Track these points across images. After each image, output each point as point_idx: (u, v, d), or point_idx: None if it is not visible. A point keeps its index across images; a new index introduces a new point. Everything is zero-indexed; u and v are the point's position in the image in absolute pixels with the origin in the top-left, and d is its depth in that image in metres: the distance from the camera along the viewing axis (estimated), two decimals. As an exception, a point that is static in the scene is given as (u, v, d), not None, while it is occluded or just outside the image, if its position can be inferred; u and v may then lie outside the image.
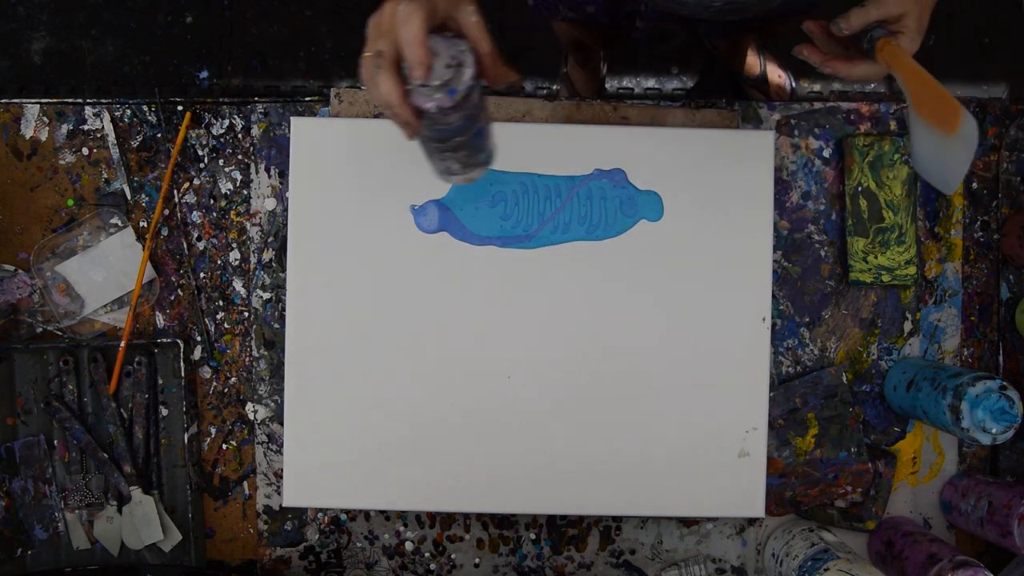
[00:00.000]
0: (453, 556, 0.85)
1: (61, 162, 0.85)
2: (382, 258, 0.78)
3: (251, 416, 0.85)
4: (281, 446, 0.84)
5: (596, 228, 0.79)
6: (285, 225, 0.84)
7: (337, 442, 0.78)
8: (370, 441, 0.78)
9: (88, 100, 0.85)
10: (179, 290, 0.85)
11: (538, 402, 0.78)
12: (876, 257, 0.83)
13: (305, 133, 0.78)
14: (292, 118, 0.79)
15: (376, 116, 0.82)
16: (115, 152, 0.84)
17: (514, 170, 0.78)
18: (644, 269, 0.79)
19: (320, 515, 0.85)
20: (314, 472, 0.78)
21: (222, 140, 0.85)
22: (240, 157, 0.85)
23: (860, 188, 0.82)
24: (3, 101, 0.85)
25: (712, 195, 0.79)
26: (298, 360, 0.78)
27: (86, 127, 0.85)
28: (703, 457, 0.79)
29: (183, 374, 0.82)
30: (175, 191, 0.84)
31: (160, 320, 0.85)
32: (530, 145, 0.78)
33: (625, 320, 0.79)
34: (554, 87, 1.48)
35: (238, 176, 0.85)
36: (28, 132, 0.84)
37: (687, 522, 0.85)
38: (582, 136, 0.79)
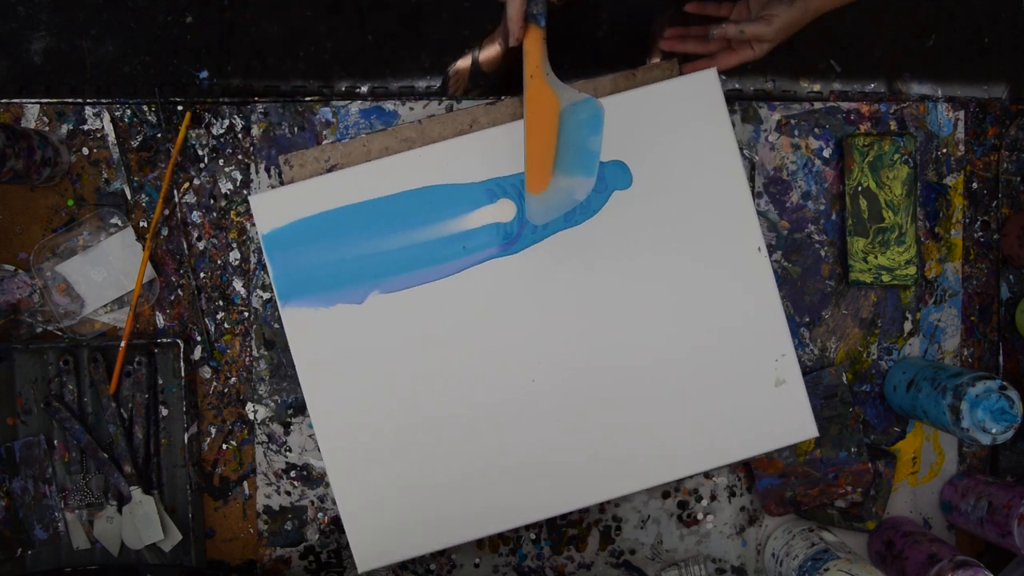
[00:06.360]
0: (453, 556, 0.85)
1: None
2: (376, 311, 0.78)
3: (251, 416, 0.85)
4: (281, 446, 0.84)
5: (573, 213, 0.78)
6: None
7: (386, 497, 0.79)
8: (415, 487, 0.79)
9: (88, 100, 0.85)
10: (179, 290, 0.85)
11: (568, 396, 0.78)
12: (876, 257, 0.83)
13: (266, 209, 0.78)
14: (250, 197, 0.79)
15: (329, 170, 0.81)
16: (115, 152, 0.84)
17: (478, 180, 0.78)
18: (630, 237, 0.78)
19: (320, 515, 0.85)
20: (375, 532, 0.78)
21: (222, 140, 0.85)
22: (240, 157, 0.85)
23: (860, 188, 0.82)
24: (3, 101, 0.85)
25: (674, 147, 0.78)
26: (329, 436, 0.79)
27: (86, 127, 0.85)
28: (742, 398, 0.78)
29: (183, 374, 0.82)
30: (175, 191, 0.84)
31: (160, 320, 0.85)
32: (485, 153, 0.78)
33: (628, 293, 0.78)
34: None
35: (238, 176, 0.85)
36: (28, 132, 0.84)
37: (687, 522, 0.85)
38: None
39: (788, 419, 0.79)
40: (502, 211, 0.78)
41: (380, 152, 0.81)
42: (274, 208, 0.78)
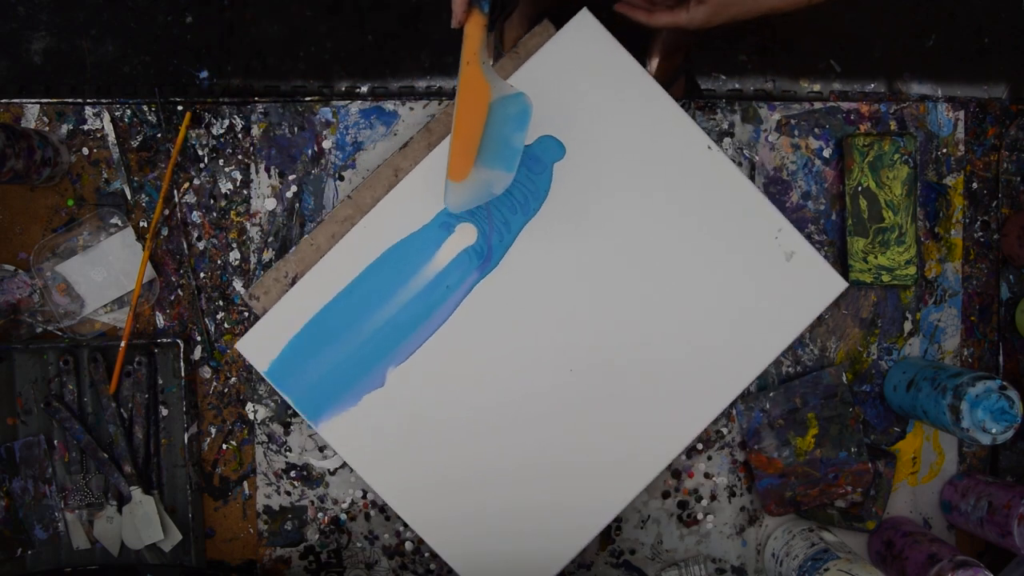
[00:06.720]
0: (453, 556, 0.85)
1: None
2: (400, 383, 0.79)
3: (251, 416, 0.85)
4: (281, 446, 0.84)
5: (527, 204, 0.79)
6: (285, 225, 0.84)
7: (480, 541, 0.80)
8: (506, 525, 0.80)
9: (88, 100, 0.85)
10: (179, 290, 0.85)
11: (608, 368, 0.79)
12: (876, 257, 0.83)
13: (255, 348, 0.79)
14: (236, 345, 0.79)
15: (292, 283, 0.81)
16: (115, 152, 0.84)
17: (428, 219, 0.79)
18: (589, 200, 0.79)
19: (320, 515, 0.85)
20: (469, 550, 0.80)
21: (222, 140, 0.85)
22: (240, 157, 0.85)
23: (860, 188, 0.82)
24: (3, 101, 0.85)
25: (586, 98, 0.78)
26: (411, 509, 0.80)
27: (86, 127, 0.85)
28: (763, 288, 0.79)
29: (183, 374, 0.82)
30: (175, 191, 0.84)
31: (160, 320, 0.85)
32: (421, 193, 0.78)
33: (612, 250, 0.79)
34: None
35: (238, 176, 0.85)
36: (28, 132, 0.84)
37: (687, 522, 0.85)
38: (446, 149, 0.79)
39: (814, 284, 0.79)
40: (464, 236, 0.79)
41: (329, 242, 0.81)
42: (261, 344, 0.79)
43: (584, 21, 0.78)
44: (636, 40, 0.88)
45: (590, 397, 0.79)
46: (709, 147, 0.78)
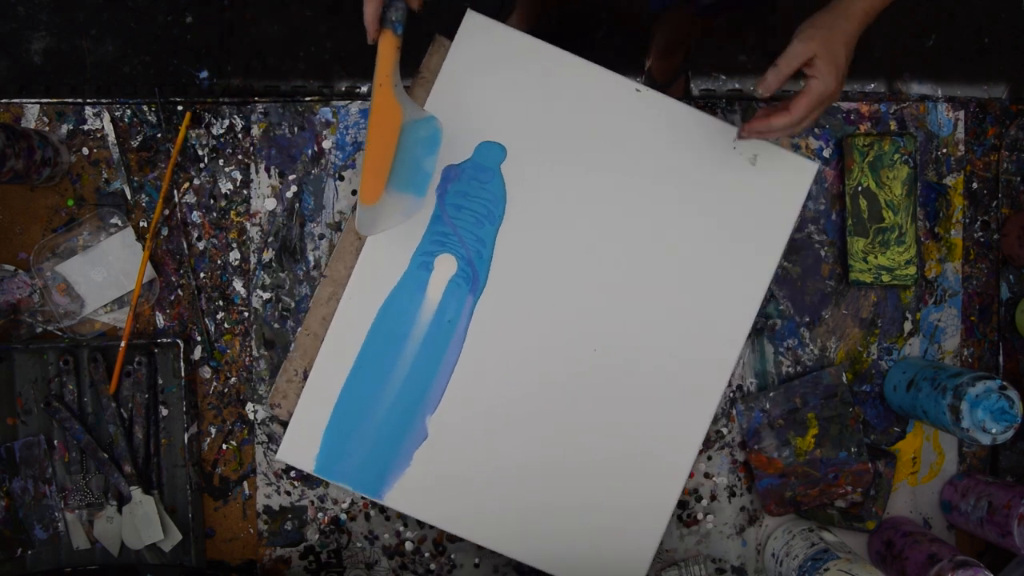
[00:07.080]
0: (453, 556, 0.85)
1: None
2: (442, 428, 0.79)
3: (251, 416, 0.85)
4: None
5: (492, 213, 0.79)
6: (285, 225, 0.84)
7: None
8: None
9: (88, 100, 0.85)
10: (179, 290, 0.85)
11: (625, 334, 0.79)
12: (876, 257, 0.83)
13: (295, 450, 0.79)
14: (278, 455, 0.80)
15: (305, 378, 0.81)
16: (115, 152, 0.84)
17: (406, 264, 0.79)
18: (547, 184, 0.79)
19: (320, 515, 0.85)
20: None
21: (222, 140, 0.85)
22: (240, 157, 0.85)
23: (860, 188, 0.82)
24: (3, 101, 0.85)
25: (507, 93, 0.79)
26: (490, 537, 0.81)
27: (86, 127, 0.85)
28: (740, 200, 0.79)
29: (183, 374, 0.82)
30: (175, 191, 0.84)
31: (160, 320, 0.85)
32: (390, 242, 0.79)
33: (592, 226, 0.79)
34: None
35: (238, 176, 0.85)
36: (28, 132, 0.84)
37: (687, 522, 0.85)
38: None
39: (787, 176, 0.79)
40: (446, 267, 0.79)
41: (323, 326, 0.80)
42: (299, 446, 0.79)
43: (473, 21, 0.79)
44: (634, 40, 0.88)
45: (619, 371, 0.79)
46: (638, 90, 0.79)
